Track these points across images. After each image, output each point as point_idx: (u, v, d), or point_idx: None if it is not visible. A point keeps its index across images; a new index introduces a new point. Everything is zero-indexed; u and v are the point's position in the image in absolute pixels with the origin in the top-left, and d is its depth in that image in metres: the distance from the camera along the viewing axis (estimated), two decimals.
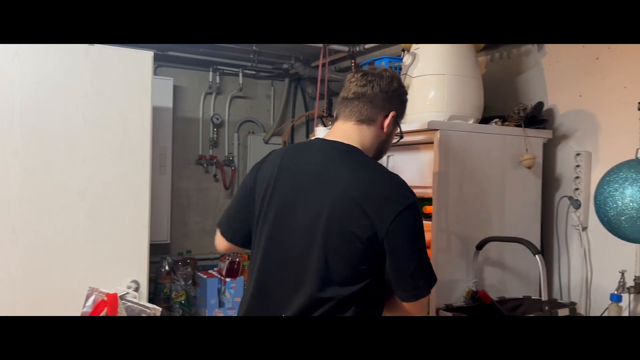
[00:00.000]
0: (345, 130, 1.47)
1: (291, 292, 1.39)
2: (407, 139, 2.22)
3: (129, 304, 2.31)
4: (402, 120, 1.61)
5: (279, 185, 1.44)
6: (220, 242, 1.60)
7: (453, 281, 2.07)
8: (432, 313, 2.02)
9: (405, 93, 1.56)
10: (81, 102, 2.31)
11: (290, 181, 1.44)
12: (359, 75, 1.49)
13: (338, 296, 1.34)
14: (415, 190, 2.34)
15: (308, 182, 1.41)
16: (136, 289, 2.37)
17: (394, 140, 1.58)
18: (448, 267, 2.06)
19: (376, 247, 1.33)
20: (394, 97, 1.48)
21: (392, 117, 1.47)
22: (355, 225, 1.32)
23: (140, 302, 2.34)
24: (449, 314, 1.89)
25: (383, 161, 2.44)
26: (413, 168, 2.33)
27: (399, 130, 1.54)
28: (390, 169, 2.44)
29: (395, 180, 1.42)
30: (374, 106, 1.45)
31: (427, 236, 2.15)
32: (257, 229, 1.48)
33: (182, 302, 3.08)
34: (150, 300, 2.57)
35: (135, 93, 2.39)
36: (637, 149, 1.69)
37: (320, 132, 2.45)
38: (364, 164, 1.42)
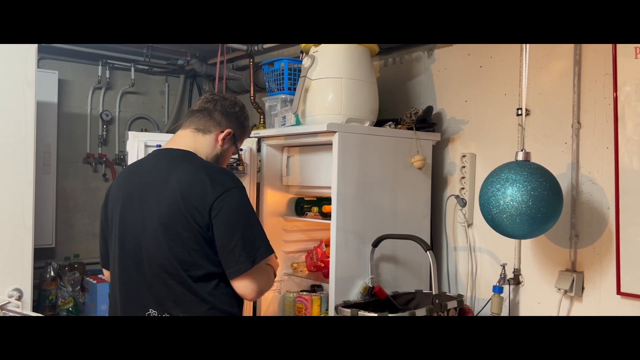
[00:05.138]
0: (182, 137, 1.66)
1: (150, 286, 1.53)
2: (306, 140, 2.27)
3: (11, 314, 2.14)
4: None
5: (121, 201, 1.61)
6: (105, 273, 1.79)
7: (351, 278, 2.14)
8: (331, 310, 2.07)
9: (246, 119, 1.76)
10: None
11: (128, 194, 1.60)
12: (208, 95, 1.72)
13: (194, 276, 1.49)
14: (314, 190, 2.42)
15: (143, 190, 1.57)
16: (19, 298, 2.20)
17: (232, 158, 1.78)
18: (346, 265, 2.12)
19: (208, 230, 1.48)
20: (232, 117, 1.69)
21: (228, 132, 1.67)
22: (186, 214, 1.48)
23: (23, 312, 2.18)
24: (347, 311, 1.95)
25: (283, 161, 2.47)
26: (313, 169, 2.38)
27: (236, 149, 1.74)
28: (290, 170, 2.48)
29: (220, 171, 1.58)
30: (212, 119, 1.66)
31: (326, 234, 2.21)
32: (110, 246, 1.67)
33: (70, 309, 2.91)
34: (35, 309, 2.41)
35: (18, 87, 2.22)
36: (517, 152, 1.84)
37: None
38: (193, 163, 1.58)
